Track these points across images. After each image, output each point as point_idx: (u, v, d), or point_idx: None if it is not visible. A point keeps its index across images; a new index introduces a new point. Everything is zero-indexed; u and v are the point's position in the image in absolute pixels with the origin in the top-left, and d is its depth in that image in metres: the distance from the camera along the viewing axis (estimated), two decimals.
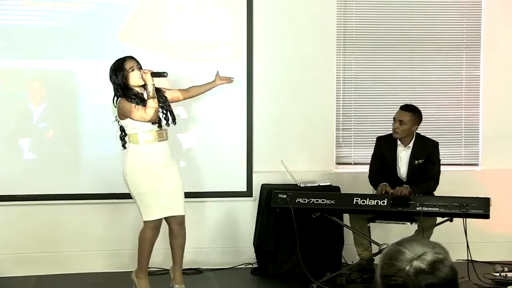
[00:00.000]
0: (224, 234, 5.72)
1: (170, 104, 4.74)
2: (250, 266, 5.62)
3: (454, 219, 4.83)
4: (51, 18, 5.45)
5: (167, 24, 5.61)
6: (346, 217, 5.33)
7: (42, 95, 5.54)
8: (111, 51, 5.47)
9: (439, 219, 5.01)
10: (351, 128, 5.98)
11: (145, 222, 4.65)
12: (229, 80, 4.96)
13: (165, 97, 4.71)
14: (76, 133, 5.54)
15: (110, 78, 4.61)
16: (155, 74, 4.54)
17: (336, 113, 5.91)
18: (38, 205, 5.43)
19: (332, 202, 4.94)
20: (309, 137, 5.81)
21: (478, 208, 4.80)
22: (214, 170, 5.66)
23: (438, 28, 6.01)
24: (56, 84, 5.53)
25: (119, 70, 4.57)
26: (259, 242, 5.53)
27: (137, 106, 4.52)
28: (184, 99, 4.90)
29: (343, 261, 5.53)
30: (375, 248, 5.14)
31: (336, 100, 5.90)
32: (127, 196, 5.24)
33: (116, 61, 4.62)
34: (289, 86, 5.80)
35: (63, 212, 5.48)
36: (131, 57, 4.64)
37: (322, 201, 4.95)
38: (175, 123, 4.72)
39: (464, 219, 4.76)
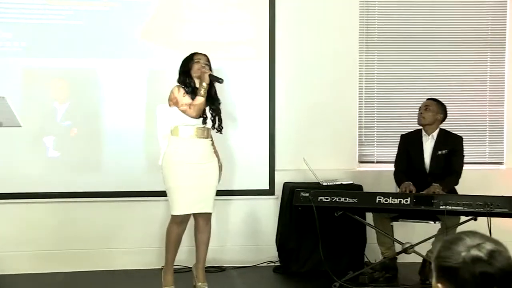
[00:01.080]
0: (247, 232, 5.75)
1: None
2: (272, 264, 5.64)
3: (478, 218, 4.80)
4: (74, 17, 5.50)
5: (188, 23, 5.64)
6: (369, 216, 5.33)
7: (66, 94, 5.59)
8: (133, 50, 5.56)
9: (463, 218, 4.98)
10: (374, 127, 5.97)
11: (171, 216, 4.70)
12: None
13: (219, 105, 4.78)
14: (99, 131, 5.59)
15: (180, 65, 4.75)
16: (213, 77, 4.62)
17: (359, 112, 5.92)
18: (62, 203, 5.49)
19: (355, 200, 4.91)
20: (332, 135, 5.82)
21: (503, 207, 4.77)
22: (237, 169, 5.69)
23: (462, 25, 5.99)
24: (79, 83, 5.59)
25: (187, 59, 4.75)
26: (281, 240, 5.55)
27: (186, 95, 4.59)
28: None
29: (365, 259, 5.53)
30: (398, 247, 5.13)
31: (359, 99, 5.91)
32: (152, 194, 5.31)
33: (191, 52, 4.77)
34: (311, 85, 5.81)
35: (88, 209, 5.53)
36: (203, 54, 4.76)
37: (345, 199, 4.93)
38: (219, 131, 4.78)
39: (489, 218, 4.72)
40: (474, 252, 1.73)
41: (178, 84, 4.71)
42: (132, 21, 5.57)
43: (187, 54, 4.79)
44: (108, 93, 5.57)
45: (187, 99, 4.62)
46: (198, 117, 4.62)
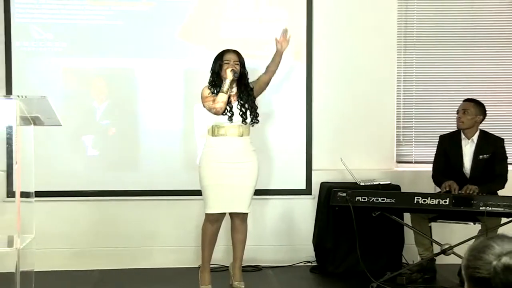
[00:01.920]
0: (284, 231, 5.76)
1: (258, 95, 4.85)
2: (309, 264, 5.64)
3: None
4: (114, 17, 5.57)
5: (225, 21, 5.67)
6: (407, 216, 5.30)
7: (105, 93, 5.66)
8: (171, 50, 5.60)
9: (503, 220, 4.92)
10: (412, 126, 5.94)
11: (205, 214, 4.74)
12: (285, 34, 4.89)
13: (250, 95, 4.77)
14: (137, 130, 5.64)
15: (211, 65, 4.79)
16: (232, 71, 4.63)
17: (397, 111, 5.88)
18: (100, 201, 5.56)
19: (392, 201, 4.88)
20: (369, 135, 5.79)
21: None
22: (274, 168, 5.70)
23: (502, 24, 5.92)
24: (118, 82, 5.65)
25: (217, 58, 4.77)
26: (318, 240, 5.54)
27: (211, 95, 4.63)
28: (270, 78, 4.90)
29: (403, 260, 5.50)
30: (436, 248, 5.09)
31: (397, 98, 5.88)
32: (189, 192, 5.34)
33: (222, 50, 4.78)
34: (349, 84, 5.80)
35: (126, 207, 5.60)
36: (233, 51, 4.77)
37: (382, 199, 4.90)
38: (253, 123, 4.78)
39: None
40: (506, 260, 1.70)
41: (208, 84, 4.74)
42: (170, 21, 5.61)
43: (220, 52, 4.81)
44: (146, 92, 5.63)
45: (210, 102, 4.64)
46: (220, 113, 4.62)
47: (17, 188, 3.46)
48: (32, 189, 3.64)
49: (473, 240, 4.90)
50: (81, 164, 5.59)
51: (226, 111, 4.64)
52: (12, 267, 3.44)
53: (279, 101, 5.72)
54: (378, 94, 5.80)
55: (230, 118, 4.67)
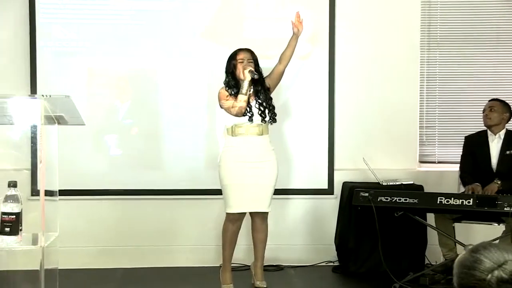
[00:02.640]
0: (306, 231, 5.76)
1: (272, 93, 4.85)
2: (331, 264, 5.63)
3: None
4: (137, 17, 5.61)
5: (248, 20, 5.68)
6: (430, 217, 5.27)
7: (127, 93, 5.70)
8: (193, 49, 5.62)
9: None
10: (435, 126, 5.91)
11: (226, 213, 4.76)
12: (298, 19, 4.87)
13: (267, 94, 4.78)
14: (160, 130, 5.68)
15: (225, 65, 4.80)
16: (251, 72, 4.63)
17: (420, 111, 5.86)
18: (123, 200, 5.61)
19: (415, 201, 4.85)
20: (392, 134, 5.78)
21: None
22: (296, 168, 5.71)
23: None
24: (140, 82, 5.69)
25: (231, 58, 4.78)
26: (340, 240, 5.54)
27: (229, 96, 4.64)
28: (285, 67, 4.89)
29: (426, 261, 5.48)
30: (460, 249, 5.06)
31: (420, 97, 5.85)
32: (210, 192, 5.36)
33: (234, 50, 4.78)
34: (371, 83, 5.78)
35: (148, 207, 5.63)
36: (246, 50, 4.78)
37: (405, 200, 4.87)
38: (271, 122, 4.78)
39: None
40: (498, 274, 1.69)
41: (224, 84, 4.76)
42: (193, 21, 5.64)
43: (233, 51, 4.82)
44: (168, 92, 5.66)
45: (229, 102, 4.65)
46: (242, 115, 4.64)
47: (42, 186, 3.49)
48: (56, 187, 3.67)
49: (497, 241, 4.88)
50: (104, 163, 5.64)
51: (246, 111, 4.66)
52: (36, 265, 3.48)
53: (301, 99, 5.72)
54: (401, 93, 5.78)
55: (251, 119, 4.68)
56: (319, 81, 5.73)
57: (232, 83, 4.73)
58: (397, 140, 5.78)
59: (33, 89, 5.50)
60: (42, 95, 3.56)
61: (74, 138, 5.41)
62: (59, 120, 3.70)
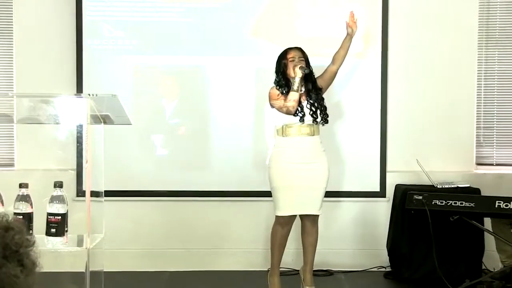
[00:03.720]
0: (356, 235, 5.71)
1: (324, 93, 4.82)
2: (383, 269, 5.58)
3: None
4: (185, 14, 5.62)
5: (298, 18, 5.65)
6: (487, 221, 5.17)
7: (175, 91, 5.72)
8: (243, 47, 5.61)
9: None
10: (493, 126, 5.80)
11: (275, 216, 4.73)
12: (352, 19, 4.83)
13: (318, 94, 4.75)
14: (207, 130, 5.68)
15: (275, 65, 4.78)
16: (302, 68, 4.60)
17: (477, 111, 5.76)
18: (169, 201, 5.63)
19: (472, 205, 4.79)
20: (447, 135, 5.70)
21: None
22: (346, 170, 5.66)
23: None
24: (188, 80, 5.71)
25: (281, 58, 4.77)
26: (392, 244, 5.47)
27: (280, 95, 4.62)
28: (338, 68, 4.87)
29: (483, 267, 5.37)
30: None
31: (477, 97, 5.76)
32: (259, 194, 5.34)
33: (284, 49, 4.77)
34: (425, 82, 5.71)
35: (195, 208, 5.64)
36: (297, 48, 4.76)
37: (461, 203, 4.81)
38: (323, 123, 4.75)
39: None
40: None
41: (274, 84, 4.73)
42: (242, 18, 5.63)
43: (283, 51, 4.80)
44: (216, 91, 5.66)
45: (280, 101, 4.62)
46: (292, 112, 4.60)
47: (87, 187, 3.51)
48: (101, 188, 3.68)
49: None
50: (150, 163, 5.67)
51: (298, 111, 4.62)
52: (82, 267, 3.50)
53: (352, 99, 5.67)
54: (457, 92, 5.69)
55: (302, 119, 4.64)
56: (371, 80, 5.67)
57: (283, 83, 4.70)
58: (452, 141, 5.69)
59: (79, 88, 5.55)
60: (89, 94, 3.58)
61: (120, 138, 5.45)
62: (105, 120, 3.71)
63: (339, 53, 4.85)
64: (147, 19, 5.63)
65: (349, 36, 4.83)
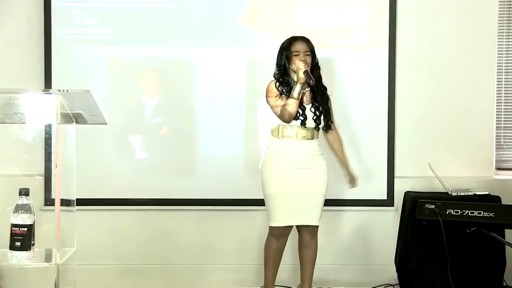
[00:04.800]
0: (360, 248, 5.73)
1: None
2: (391, 287, 5.58)
3: None
4: (167, 0, 5.61)
5: (295, 6, 5.65)
6: (509, 233, 5.20)
7: (156, 87, 5.72)
8: (232, 37, 5.61)
9: None
10: None
11: (269, 227, 4.72)
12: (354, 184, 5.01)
13: (324, 98, 4.74)
14: (193, 130, 5.68)
15: (277, 55, 4.75)
16: (307, 74, 4.54)
17: (497, 108, 5.81)
18: (151, 211, 5.62)
19: (491, 214, 4.86)
20: (463, 136, 5.73)
21: None
22: None
23: None
24: (171, 74, 5.70)
25: (284, 48, 4.72)
26: (401, 259, 5.49)
27: (279, 96, 4.60)
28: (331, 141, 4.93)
29: (504, 285, 5.39)
30: None
31: (497, 93, 5.81)
32: (251, 202, 5.34)
33: (288, 38, 4.74)
34: (438, 77, 5.74)
35: (179, 219, 5.65)
36: (302, 39, 4.71)
37: (479, 213, 4.88)
38: (325, 129, 4.76)
39: None
40: None
41: (274, 78, 4.71)
42: (232, 4, 5.64)
43: (282, 44, 4.77)
44: (203, 86, 5.66)
45: (279, 101, 4.60)
46: (288, 121, 4.60)
47: (57, 195, 3.50)
48: (73, 196, 3.68)
49: None
50: (129, 168, 5.66)
51: (298, 115, 4.60)
52: (51, 285, 3.49)
53: (357, 96, 5.68)
54: (474, 88, 5.73)
55: (304, 123, 4.61)
56: (378, 75, 5.69)
57: (285, 79, 4.67)
58: (469, 143, 5.73)
59: (48, 83, 5.55)
60: (59, 90, 3.56)
61: (94, 139, 5.45)
62: (77, 119, 3.71)
63: (337, 151, 4.94)
64: (124, 5, 5.63)
65: (346, 173, 4.96)
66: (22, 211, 3.33)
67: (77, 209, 3.70)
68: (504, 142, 5.85)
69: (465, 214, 4.88)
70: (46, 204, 5.37)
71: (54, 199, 3.61)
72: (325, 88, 4.79)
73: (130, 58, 5.66)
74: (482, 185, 5.56)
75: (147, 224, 5.63)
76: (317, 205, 4.72)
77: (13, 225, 3.33)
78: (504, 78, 5.81)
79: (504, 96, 5.82)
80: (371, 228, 5.75)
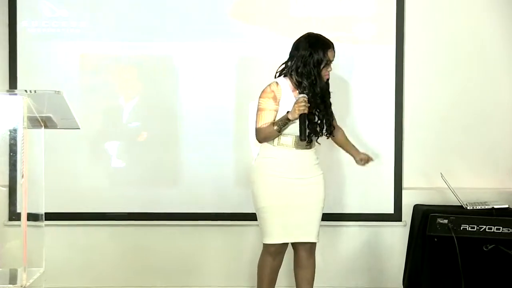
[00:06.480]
0: (364, 269, 5.74)
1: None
2: None
3: None
4: None
5: None
6: None
7: (135, 87, 5.72)
8: (221, 31, 5.62)
9: None
10: None
11: (264, 245, 4.71)
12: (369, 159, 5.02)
13: (328, 109, 4.72)
14: (177, 136, 5.69)
15: (296, 50, 4.63)
16: (302, 121, 4.48)
17: None
18: (129, 226, 5.63)
19: (511, 231, 4.81)
20: (479, 144, 5.76)
21: None
22: (351, 186, 5.70)
23: None
24: (152, 73, 5.70)
25: (316, 51, 4.58)
26: (410, 281, 5.49)
27: (271, 109, 4.56)
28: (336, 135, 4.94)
29: None
30: None
31: None
32: (242, 216, 5.34)
33: (321, 37, 4.64)
34: (452, 77, 5.76)
35: (160, 235, 5.65)
36: (334, 49, 4.65)
37: (497, 229, 4.93)
38: (328, 136, 4.78)
39: None
40: None
41: (276, 80, 4.68)
42: None
43: (313, 38, 4.63)
44: (188, 86, 5.67)
45: (269, 115, 4.56)
46: (259, 141, 4.62)
47: (23, 208, 3.50)
48: (41, 210, 3.68)
49: None
50: (104, 178, 5.67)
51: (301, 132, 4.55)
52: None
53: (360, 97, 5.70)
54: (493, 89, 5.76)
55: (305, 138, 4.55)
56: (384, 73, 5.72)
57: (305, 82, 4.57)
58: (486, 151, 5.76)
59: (13, 83, 5.55)
60: (25, 91, 3.57)
61: (65, 145, 5.46)
62: (46, 123, 3.71)
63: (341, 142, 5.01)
64: None
65: (354, 157, 5.00)
66: None
67: (45, 225, 3.70)
68: None
69: (481, 230, 4.90)
70: (10, 219, 5.37)
71: (20, 213, 3.62)
72: (329, 92, 4.75)
73: (106, 54, 5.66)
74: (501, 197, 5.56)
75: (124, 241, 5.63)
76: (315, 219, 4.70)
77: None
78: None
79: None
80: (376, 245, 5.76)
